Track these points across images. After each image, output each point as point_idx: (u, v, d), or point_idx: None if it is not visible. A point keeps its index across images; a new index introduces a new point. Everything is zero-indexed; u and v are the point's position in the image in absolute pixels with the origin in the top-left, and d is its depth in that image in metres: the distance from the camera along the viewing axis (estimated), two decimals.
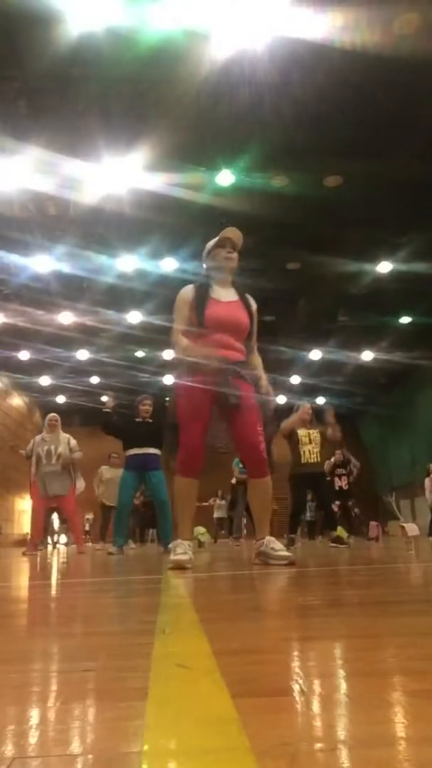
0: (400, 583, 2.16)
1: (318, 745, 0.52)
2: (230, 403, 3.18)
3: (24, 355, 15.34)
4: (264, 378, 3.42)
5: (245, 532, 11.10)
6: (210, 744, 0.53)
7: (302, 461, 6.53)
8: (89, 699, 0.69)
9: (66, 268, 10.62)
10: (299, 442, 6.56)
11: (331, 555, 4.57)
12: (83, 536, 8.47)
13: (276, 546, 3.16)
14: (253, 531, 3.47)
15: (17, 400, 19.31)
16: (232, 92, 6.92)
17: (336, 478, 9.58)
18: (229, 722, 0.57)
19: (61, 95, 6.94)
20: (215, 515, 14.69)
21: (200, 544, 7.64)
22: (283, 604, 1.70)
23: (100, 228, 9.56)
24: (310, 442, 6.57)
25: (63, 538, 14.45)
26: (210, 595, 1.98)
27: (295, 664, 0.85)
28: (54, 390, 18.84)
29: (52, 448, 6.75)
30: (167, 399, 3.53)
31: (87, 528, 15.93)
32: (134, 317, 13.03)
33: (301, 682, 0.73)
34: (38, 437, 7.03)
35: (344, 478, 9.59)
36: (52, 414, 7.10)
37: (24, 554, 7.18)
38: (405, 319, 13.62)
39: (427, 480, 11.93)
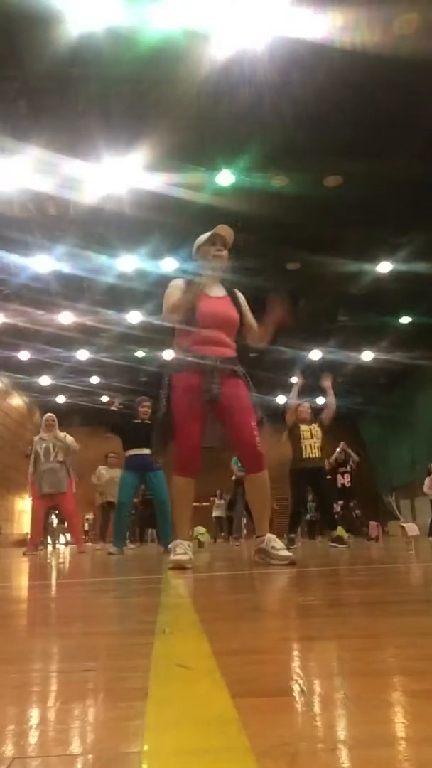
0: (400, 583, 2.16)
1: (318, 745, 0.52)
2: (208, 398, 3.18)
3: (24, 355, 15.33)
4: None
5: (245, 531, 11.10)
6: (210, 744, 0.53)
7: (303, 456, 6.54)
8: (89, 699, 0.69)
9: (66, 268, 10.61)
10: (301, 437, 6.57)
11: (331, 555, 4.57)
12: (83, 536, 8.55)
13: (277, 545, 3.15)
14: (254, 531, 3.48)
15: (17, 400, 19.31)
16: (232, 92, 6.91)
17: (338, 476, 9.57)
18: (229, 722, 0.57)
19: (61, 95, 6.94)
20: (214, 514, 14.69)
21: (200, 544, 7.65)
22: (283, 604, 1.70)
23: (100, 228, 9.55)
24: (312, 437, 6.58)
25: (62, 539, 14.46)
26: (210, 595, 1.98)
27: (295, 664, 0.85)
28: (54, 390, 18.83)
29: (50, 446, 7.12)
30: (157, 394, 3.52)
31: (86, 528, 15.94)
32: (134, 317, 13.03)
33: (301, 682, 0.73)
34: (37, 437, 7.36)
35: (347, 475, 9.58)
36: (49, 414, 7.47)
37: (24, 554, 7.24)
38: (405, 319, 13.62)
39: (427, 480, 11.93)
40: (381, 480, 20.37)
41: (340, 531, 6.27)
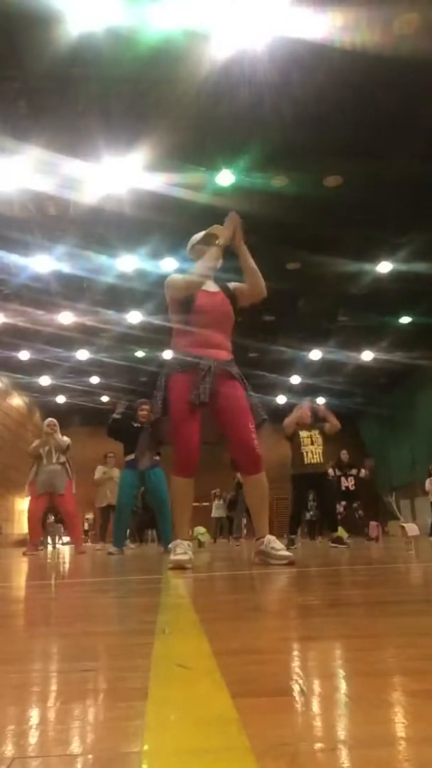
0: (400, 583, 2.16)
1: (318, 745, 0.52)
2: (196, 401, 3.18)
3: (24, 355, 15.34)
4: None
5: (245, 532, 11.10)
6: (210, 744, 0.53)
7: (305, 462, 6.57)
8: (89, 699, 0.69)
9: (66, 268, 10.61)
10: (301, 443, 6.62)
11: (331, 555, 4.57)
12: (82, 537, 8.66)
13: (276, 545, 3.16)
14: (254, 532, 3.48)
15: (17, 400, 19.31)
16: (232, 92, 6.91)
17: (343, 478, 9.56)
18: (229, 722, 0.57)
19: (61, 95, 6.93)
20: (213, 515, 14.68)
21: (200, 544, 7.66)
22: (283, 604, 1.70)
23: (100, 228, 9.55)
24: (312, 443, 6.62)
25: (63, 539, 14.46)
26: (210, 595, 1.98)
27: (295, 664, 0.85)
28: (54, 390, 18.83)
29: (52, 448, 7.38)
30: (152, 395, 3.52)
31: (86, 528, 15.93)
32: (134, 317, 13.03)
33: (301, 682, 0.73)
34: (39, 441, 7.67)
35: (351, 478, 9.57)
36: (50, 419, 7.75)
37: (24, 554, 7.28)
38: (405, 319, 13.62)
39: (427, 481, 11.94)
40: (381, 480, 20.35)
41: (340, 531, 6.28)
